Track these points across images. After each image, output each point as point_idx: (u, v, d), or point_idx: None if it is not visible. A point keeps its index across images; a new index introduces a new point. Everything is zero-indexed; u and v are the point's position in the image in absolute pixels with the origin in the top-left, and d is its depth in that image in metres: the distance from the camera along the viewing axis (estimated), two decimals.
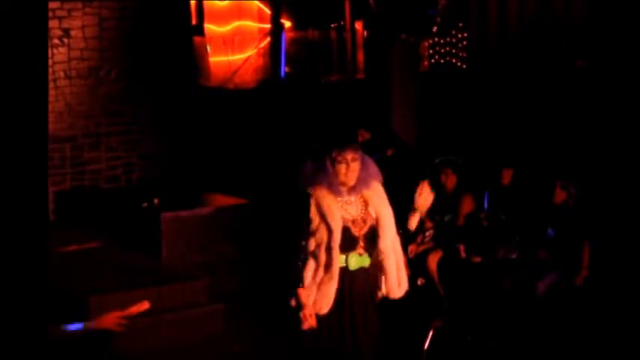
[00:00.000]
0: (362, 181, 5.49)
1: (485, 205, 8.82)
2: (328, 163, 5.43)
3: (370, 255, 5.48)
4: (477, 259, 8.54)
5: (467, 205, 8.78)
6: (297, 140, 10.79)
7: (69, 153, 10.31)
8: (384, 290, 5.55)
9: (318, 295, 5.37)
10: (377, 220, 5.49)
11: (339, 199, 5.46)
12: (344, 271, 5.41)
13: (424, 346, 7.29)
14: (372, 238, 5.48)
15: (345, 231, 5.42)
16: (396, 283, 5.55)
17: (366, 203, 5.53)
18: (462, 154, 9.37)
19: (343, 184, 5.45)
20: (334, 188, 5.44)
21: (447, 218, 8.82)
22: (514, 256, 8.39)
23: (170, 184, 10.43)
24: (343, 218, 5.43)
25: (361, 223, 5.49)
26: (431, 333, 7.34)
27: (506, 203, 8.72)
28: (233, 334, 7.93)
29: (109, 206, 9.93)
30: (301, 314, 5.35)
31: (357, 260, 5.45)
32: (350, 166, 5.42)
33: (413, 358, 6.11)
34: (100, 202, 10.13)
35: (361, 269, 5.46)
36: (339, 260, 5.38)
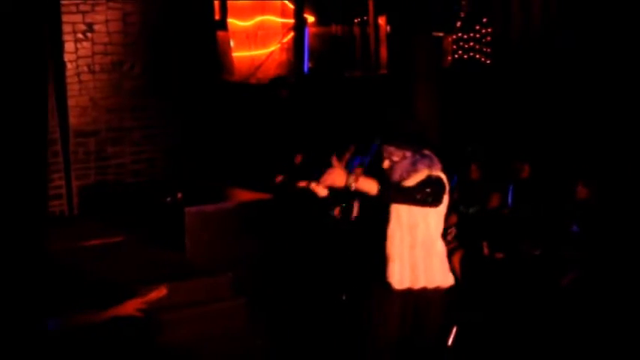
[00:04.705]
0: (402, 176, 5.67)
1: (510, 199, 8.79)
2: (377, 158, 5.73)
3: None
4: (500, 256, 8.51)
5: (494, 202, 8.76)
6: (320, 136, 10.79)
7: (93, 147, 10.35)
8: None
9: None
10: None
11: None
12: None
13: (447, 342, 7.29)
14: None
15: None
16: None
17: None
18: (485, 149, 9.33)
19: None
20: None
21: (472, 210, 8.80)
22: (537, 253, 8.36)
23: (194, 178, 10.45)
24: None
25: None
26: (454, 329, 7.33)
27: (528, 198, 8.69)
28: (256, 329, 7.94)
29: (132, 201, 9.96)
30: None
31: None
32: (393, 162, 5.72)
33: (436, 355, 6.10)
34: (123, 197, 10.16)
35: None
36: None
